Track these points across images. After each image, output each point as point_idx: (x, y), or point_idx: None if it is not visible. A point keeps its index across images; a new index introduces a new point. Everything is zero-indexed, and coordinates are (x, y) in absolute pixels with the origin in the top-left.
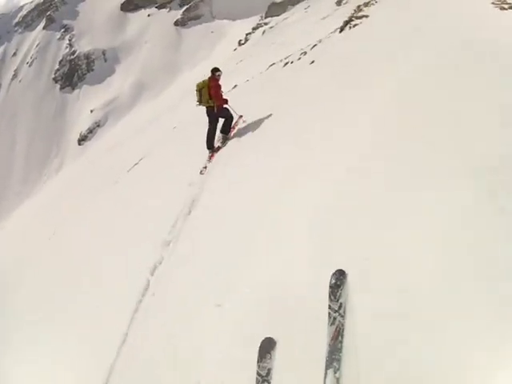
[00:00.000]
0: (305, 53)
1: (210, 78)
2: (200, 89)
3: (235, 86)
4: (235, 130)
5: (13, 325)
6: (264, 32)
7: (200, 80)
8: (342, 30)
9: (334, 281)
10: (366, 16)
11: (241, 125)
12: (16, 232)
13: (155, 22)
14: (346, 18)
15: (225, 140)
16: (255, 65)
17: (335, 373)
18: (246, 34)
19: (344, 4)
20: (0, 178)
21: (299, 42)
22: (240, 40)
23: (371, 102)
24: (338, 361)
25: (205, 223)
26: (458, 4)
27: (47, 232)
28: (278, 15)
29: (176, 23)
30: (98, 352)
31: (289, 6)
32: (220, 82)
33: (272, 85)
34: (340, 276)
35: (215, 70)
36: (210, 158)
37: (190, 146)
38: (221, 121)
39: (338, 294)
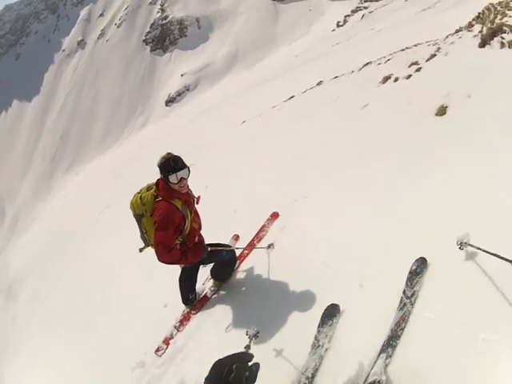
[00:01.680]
0: (418, 67)
1: (157, 186)
2: (139, 216)
3: (320, 82)
4: (245, 260)
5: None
6: (363, 16)
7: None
8: (484, 43)
9: (414, 267)
10: None
11: (265, 254)
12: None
13: None
14: (488, 24)
15: (218, 286)
16: (350, 55)
17: (386, 359)
18: (345, 16)
19: None
20: (84, 128)
21: (401, 35)
22: (338, 21)
23: None
24: (394, 348)
25: None
26: None
27: (99, 206)
28: (377, 0)
29: None
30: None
31: None
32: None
33: (361, 125)
34: (421, 264)
35: (168, 169)
36: (182, 321)
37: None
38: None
39: (415, 281)
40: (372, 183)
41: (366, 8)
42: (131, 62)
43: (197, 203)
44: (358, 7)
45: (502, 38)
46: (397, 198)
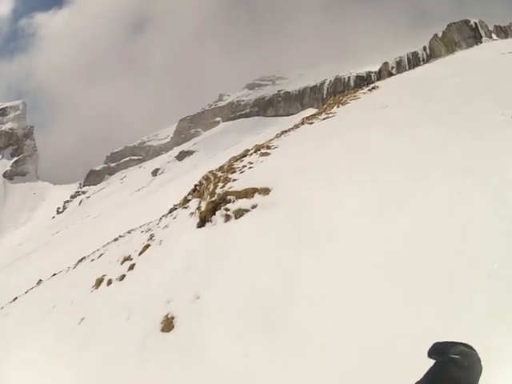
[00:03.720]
0: (132, 263)
1: None
2: None
3: (40, 281)
4: None
5: None
6: (81, 202)
7: None
8: (203, 222)
9: None
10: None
11: None
12: None
13: None
14: (208, 197)
15: None
16: (67, 247)
17: None
18: (65, 202)
19: (160, 174)
20: None
21: (115, 221)
22: (58, 208)
23: None
24: None
25: None
26: None
27: None
28: (95, 184)
29: (5, 175)
30: None
31: (106, 175)
32: None
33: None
34: None
35: None
36: None
37: None
38: None
39: None
40: None
41: (84, 193)
42: None
43: None
44: (76, 192)
45: (227, 209)
46: None
